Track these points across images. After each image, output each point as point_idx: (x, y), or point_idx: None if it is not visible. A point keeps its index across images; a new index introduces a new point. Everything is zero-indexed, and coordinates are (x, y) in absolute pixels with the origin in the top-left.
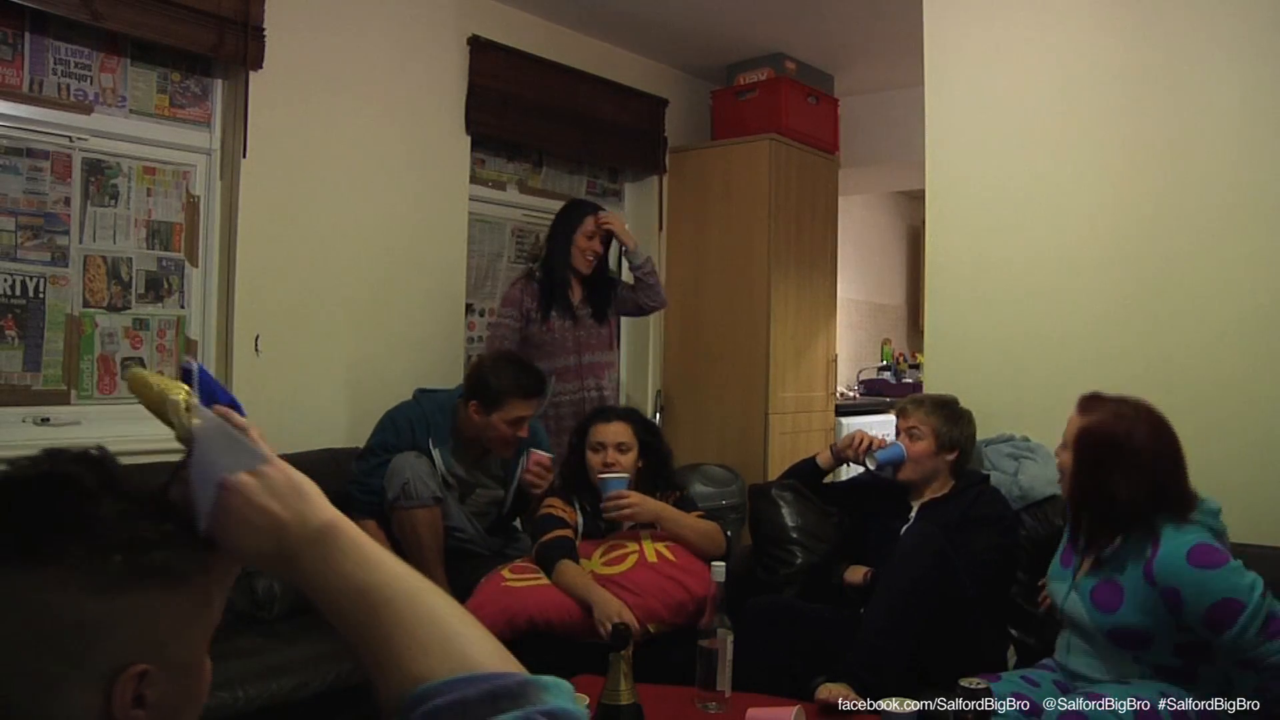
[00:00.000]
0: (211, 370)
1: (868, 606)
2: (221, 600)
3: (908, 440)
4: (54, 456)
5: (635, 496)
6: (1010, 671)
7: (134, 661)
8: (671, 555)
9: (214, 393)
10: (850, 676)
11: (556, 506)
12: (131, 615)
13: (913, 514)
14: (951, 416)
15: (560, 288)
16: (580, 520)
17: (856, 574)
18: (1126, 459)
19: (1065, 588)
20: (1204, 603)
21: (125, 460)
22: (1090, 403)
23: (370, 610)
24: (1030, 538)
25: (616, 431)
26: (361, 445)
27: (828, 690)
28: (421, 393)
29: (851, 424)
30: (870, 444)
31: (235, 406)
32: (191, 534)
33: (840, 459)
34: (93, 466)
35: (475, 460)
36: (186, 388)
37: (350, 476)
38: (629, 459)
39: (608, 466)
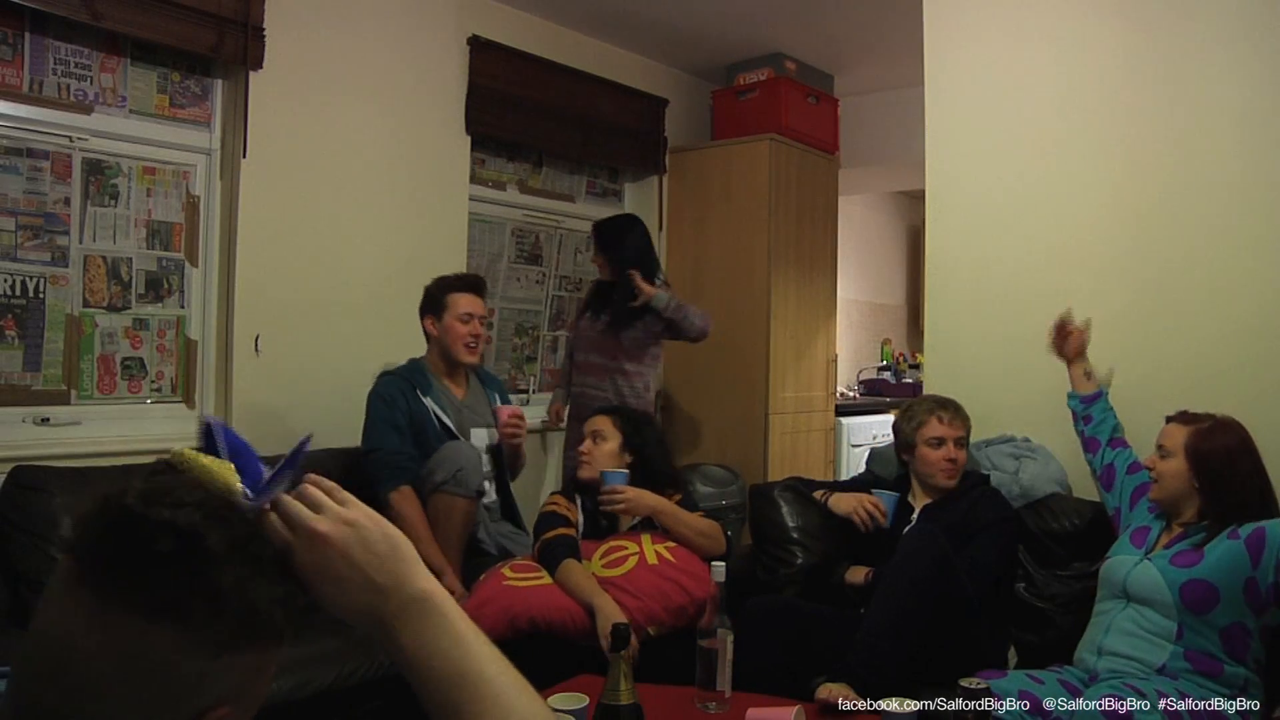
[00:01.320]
0: (212, 371)
1: (868, 606)
2: None
3: (959, 451)
4: (175, 502)
5: (631, 491)
6: (1015, 670)
7: (221, 705)
8: (671, 557)
9: (238, 450)
10: (850, 676)
11: (560, 504)
12: (231, 670)
13: (915, 515)
14: (967, 416)
15: (599, 293)
16: (581, 519)
17: (858, 574)
18: (1240, 464)
19: (1133, 561)
20: None
21: (125, 460)
22: (1189, 415)
23: (460, 696)
24: (1031, 535)
25: (594, 422)
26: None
27: (828, 690)
28: (383, 371)
29: (852, 424)
30: (875, 513)
31: (257, 465)
32: (297, 596)
33: (831, 515)
34: (215, 522)
35: (462, 402)
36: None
37: (375, 458)
38: (603, 450)
39: (581, 456)
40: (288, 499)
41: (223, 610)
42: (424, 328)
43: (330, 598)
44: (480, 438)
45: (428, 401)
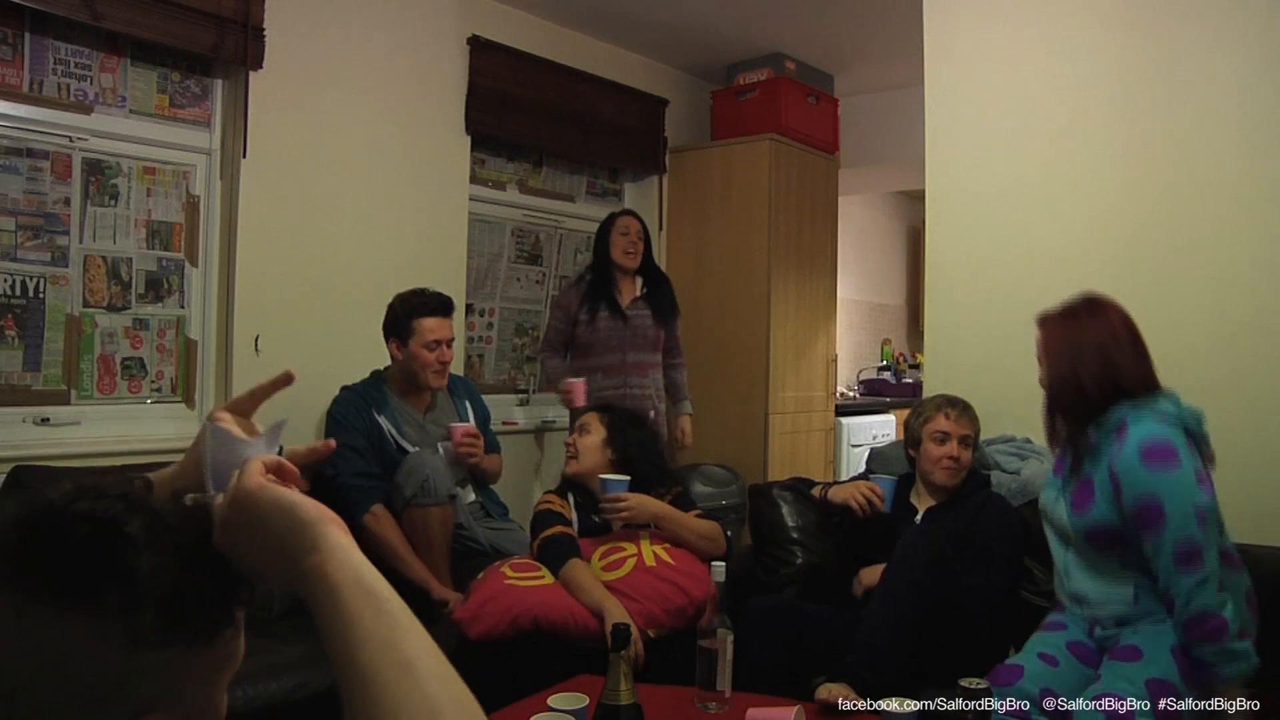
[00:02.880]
0: (212, 371)
1: (868, 606)
2: (242, 644)
3: (963, 450)
4: (98, 494)
5: (634, 498)
6: (1029, 656)
7: (150, 711)
8: (670, 558)
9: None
10: (850, 676)
11: (554, 503)
12: (157, 669)
13: (918, 517)
14: (977, 420)
15: (607, 287)
16: (575, 517)
17: (873, 575)
18: (1082, 349)
19: (1054, 494)
20: (1133, 494)
21: (125, 460)
22: (1043, 317)
23: (344, 682)
24: (1031, 533)
25: (584, 416)
26: None
27: (828, 690)
28: (344, 387)
29: (852, 424)
30: (872, 498)
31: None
32: (227, 588)
33: (830, 507)
34: (137, 510)
35: (424, 414)
36: None
37: (337, 484)
38: (587, 442)
39: (567, 445)
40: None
41: (140, 597)
42: (389, 349)
43: (268, 582)
44: (449, 450)
45: (382, 420)
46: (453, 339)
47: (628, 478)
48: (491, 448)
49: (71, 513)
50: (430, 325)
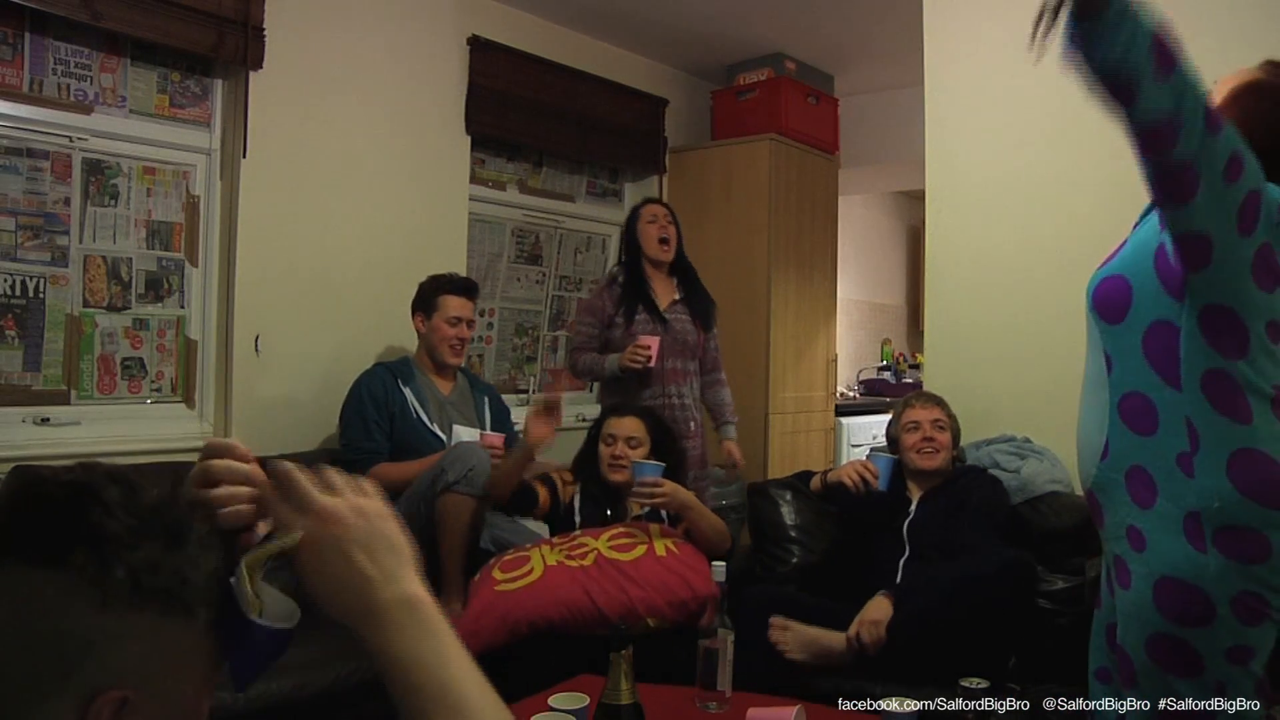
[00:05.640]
0: (212, 371)
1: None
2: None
3: (937, 432)
4: (88, 468)
5: (669, 485)
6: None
7: (116, 685)
8: (678, 551)
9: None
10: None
11: (563, 479)
12: (127, 636)
13: (913, 506)
14: (947, 406)
15: (642, 288)
16: (577, 502)
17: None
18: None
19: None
20: None
21: (125, 460)
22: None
23: (433, 709)
24: (1030, 533)
25: (628, 426)
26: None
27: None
28: (376, 363)
29: (852, 424)
30: (866, 475)
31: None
32: (205, 567)
33: (832, 490)
34: (117, 481)
35: (446, 399)
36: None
37: (349, 441)
38: (638, 454)
39: (615, 460)
40: (299, 477)
41: (109, 555)
42: (414, 324)
43: (324, 587)
44: (461, 434)
45: (407, 392)
46: (473, 321)
47: (662, 464)
48: (510, 444)
49: (53, 480)
50: (453, 302)
